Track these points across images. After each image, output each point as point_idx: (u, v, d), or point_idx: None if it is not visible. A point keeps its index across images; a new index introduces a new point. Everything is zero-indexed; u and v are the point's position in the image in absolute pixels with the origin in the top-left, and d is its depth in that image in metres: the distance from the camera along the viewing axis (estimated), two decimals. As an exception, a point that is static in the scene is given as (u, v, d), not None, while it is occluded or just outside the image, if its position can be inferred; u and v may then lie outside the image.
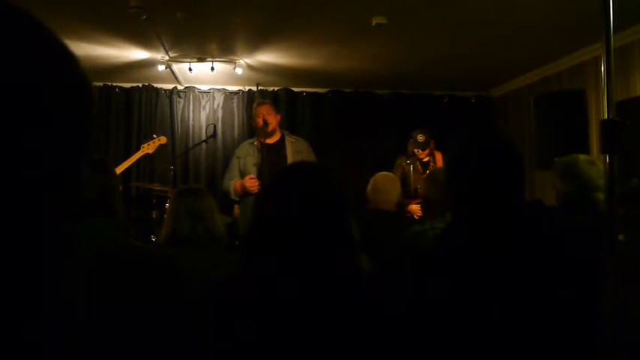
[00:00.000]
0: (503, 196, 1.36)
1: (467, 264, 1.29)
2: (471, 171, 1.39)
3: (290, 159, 4.19)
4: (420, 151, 4.67)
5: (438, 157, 4.76)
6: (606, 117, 1.71)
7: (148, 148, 4.38)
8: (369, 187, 3.21)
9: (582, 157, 2.25)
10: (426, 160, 4.76)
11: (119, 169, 4.16)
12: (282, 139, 4.33)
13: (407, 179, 4.59)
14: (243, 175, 4.20)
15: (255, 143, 4.28)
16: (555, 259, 1.30)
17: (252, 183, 4.03)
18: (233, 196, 4.19)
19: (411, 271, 1.41)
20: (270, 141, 4.22)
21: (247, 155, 4.26)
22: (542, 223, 1.35)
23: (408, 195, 4.44)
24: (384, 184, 3.19)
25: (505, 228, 1.32)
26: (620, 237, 1.61)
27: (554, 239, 1.34)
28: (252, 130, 5.13)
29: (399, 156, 4.88)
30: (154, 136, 4.59)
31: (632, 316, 1.03)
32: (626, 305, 1.03)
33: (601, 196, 2.08)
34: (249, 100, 5.66)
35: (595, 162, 2.20)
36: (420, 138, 4.67)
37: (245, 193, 4.09)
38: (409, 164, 4.69)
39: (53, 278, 0.46)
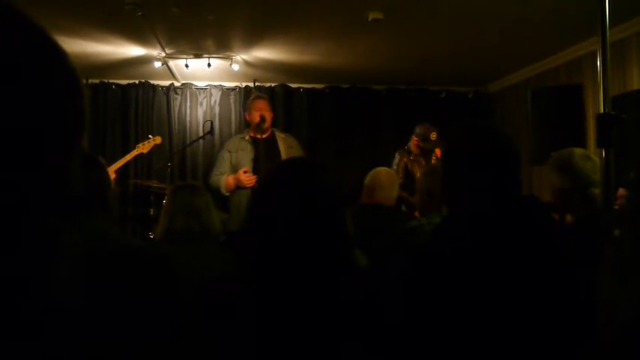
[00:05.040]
0: (498, 189, 1.35)
1: (462, 258, 1.29)
2: (466, 163, 1.38)
3: (284, 154, 4.17)
4: (437, 150, 4.47)
5: (438, 152, 4.66)
6: (602, 111, 1.71)
7: (142, 147, 4.49)
8: (369, 181, 3.16)
9: (578, 151, 2.23)
10: (427, 155, 4.61)
11: (115, 167, 4.21)
12: (273, 135, 4.31)
13: (413, 176, 4.49)
14: (235, 169, 4.16)
15: (247, 138, 4.25)
16: (548, 255, 1.30)
17: (247, 177, 3.99)
18: (224, 192, 4.15)
19: (407, 266, 1.40)
20: (262, 137, 4.21)
21: (240, 150, 4.21)
22: (536, 217, 1.35)
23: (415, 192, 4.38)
24: (387, 181, 3.15)
25: (500, 222, 1.32)
26: (617, 232, 1.61)
27: (547, 234, 1.34)
28: (245, 122, 5.07)
29: (399, 151, 4.70)
30: (150, 136, 4.66)
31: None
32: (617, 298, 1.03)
33: (596, 191, 2.07)
34: (246, 96, 5.64)
35: (590, 156, 2.19)
36: (434, 136, 4.48)
37: (238, 187, 4.06)
38: (413, 161, 4.58)
39: (37, 273, 0.45)
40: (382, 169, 3.28)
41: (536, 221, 1.34)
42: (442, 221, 1.48)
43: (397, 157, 4.68)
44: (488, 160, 1.36)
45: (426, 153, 4.60)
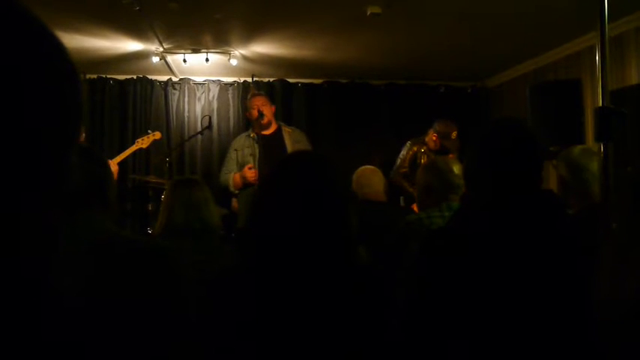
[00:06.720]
0: (522, 184, 1.37)
1: (480, 248, 1.30)
2: (488, 156, 1.39)
3: (290, 149, 4.17)
4: (453, 149, 4.40)
5: (451, 155, 4.56)
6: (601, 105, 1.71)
7: (142, 142, 4.52)
8: (353, 184, 3.20)
9: (582, 147, 2.26)
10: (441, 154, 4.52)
11: (116, 160, 4.22)
12: (278, 131, 4.31)
13: (418, 168, 4.44)
14: (241, 167, 4.19)
15: (252, 135, 4.26)
16: (559, 247, 1.31)
17: (251, 173, 4.01)
18: (232, 189, 4.18)
19: (418, 255, 1.40)
20: (266, 132, 4.21)
21: (245, 147, 4.25)
22: (554, 212, 1.38)
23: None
24: (367, 178, 3.20)
25: (521, 215, 1.34)
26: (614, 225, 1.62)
27: (564, 228, 1.36)
28: (247, 121, 5.10)
29: (413, 140, 4.61)
30: (149, 131, 4.65)
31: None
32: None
33: (594, 185, 2.08)
34: (245, 91, 5.63)
35: (592, 152, 2.20)
36: (454, 135, 4.39)
37: (245, 184, 4.08)
38: (424, 153, 4.50)
39: (36, 270, 0.45)
40: (360, 169, 3.32)
41: (550, 214, 1.36)
42: (459, 209, 1.49)
43: (408, 144, 4.58)
44: (510, 154, 1.37)
45: (441, 152, 4.48)
